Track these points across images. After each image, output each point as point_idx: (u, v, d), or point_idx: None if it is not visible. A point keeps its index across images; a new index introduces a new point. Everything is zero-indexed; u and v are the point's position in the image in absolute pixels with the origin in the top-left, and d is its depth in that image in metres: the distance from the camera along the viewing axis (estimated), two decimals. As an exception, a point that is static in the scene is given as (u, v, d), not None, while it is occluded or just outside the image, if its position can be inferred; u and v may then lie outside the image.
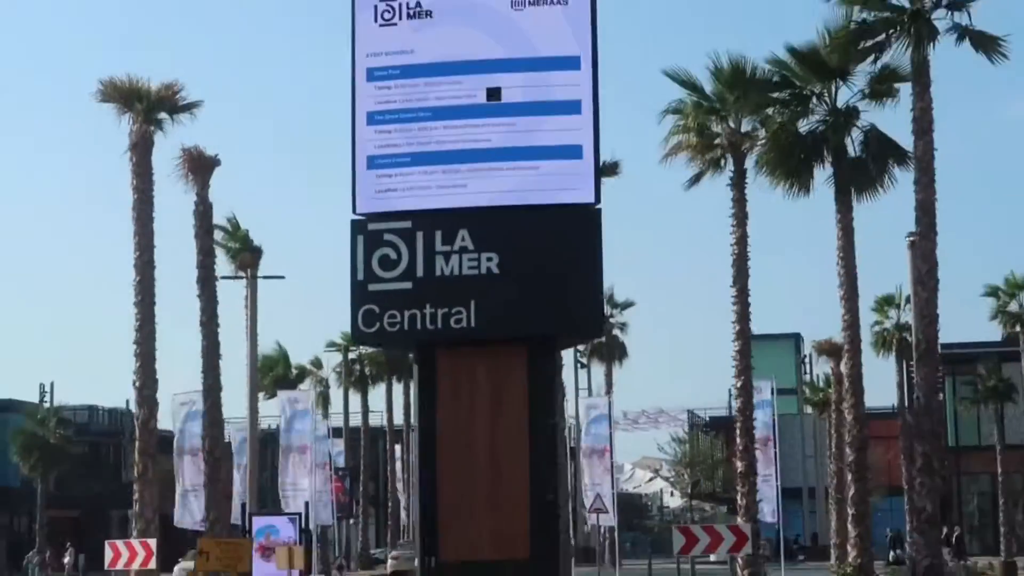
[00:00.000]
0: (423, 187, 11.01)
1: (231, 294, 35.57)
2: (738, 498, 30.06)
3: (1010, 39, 25.55)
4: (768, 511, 34.45)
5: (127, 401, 33.00)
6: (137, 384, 28.25)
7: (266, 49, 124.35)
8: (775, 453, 35.82)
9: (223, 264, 34.36)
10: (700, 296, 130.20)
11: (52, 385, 59.89)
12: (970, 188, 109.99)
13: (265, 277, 35.59)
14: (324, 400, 57.76)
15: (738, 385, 30.29)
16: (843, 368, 31.60)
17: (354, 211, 11.22)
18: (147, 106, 28.29)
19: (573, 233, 10.68)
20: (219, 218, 33.70)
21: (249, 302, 34.48)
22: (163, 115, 28.86)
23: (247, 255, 36.02)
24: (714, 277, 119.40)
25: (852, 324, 29.45)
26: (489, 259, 10.70)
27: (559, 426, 10.83)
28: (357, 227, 11.14)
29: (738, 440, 30.65)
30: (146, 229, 28.47)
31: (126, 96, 28.47)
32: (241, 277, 35.18)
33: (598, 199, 10.67)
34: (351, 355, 57.05)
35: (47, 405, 58.57)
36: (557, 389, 11.16)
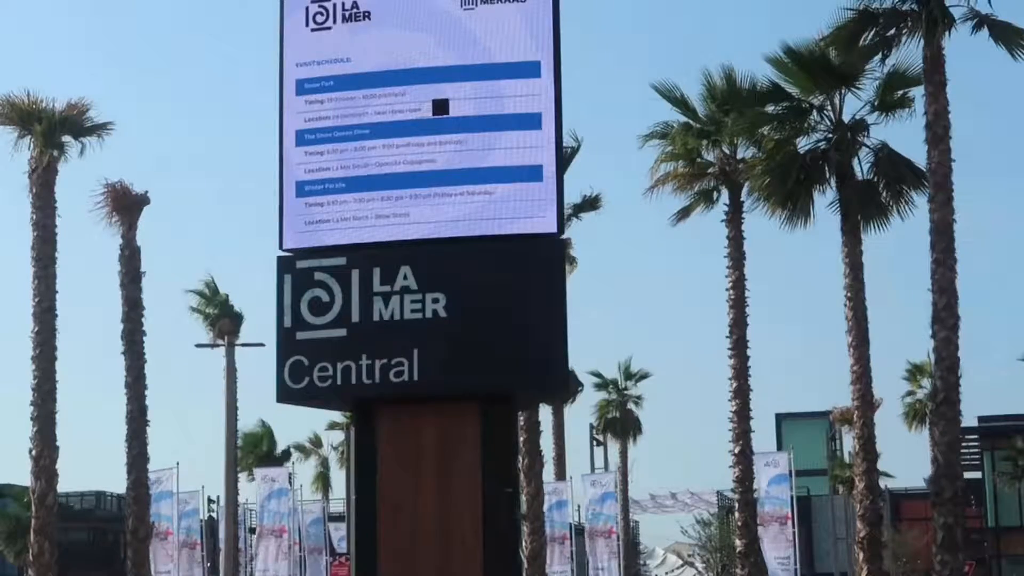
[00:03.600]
0: (359, 217, 10.75)
1: (212, 363, 36.97)
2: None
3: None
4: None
5: (126, 486, 33.23)
6: (33, 452, 27.85)
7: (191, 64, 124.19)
8: (794, 533, 35.77)
9: (200, 331, 35.80)
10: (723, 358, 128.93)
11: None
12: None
13: (244, 344, 36.77)
14: (324, 481, 59.83)
15: (736, 451, 30.13)
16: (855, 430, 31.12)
17: (281, 246, 10.99)
18: (47, 127, 27.70)
19: (533, 268, 10.37)
20: (193, 280, 35.38)
21: (227, 372, 35.48)
22: (67, 138, 28.54)
23: (226, 322, 37.34)
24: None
25: (862, 376, 28.27)
26: (435, 300, 10.43)
27: (517, 497, 10.56)
28: (284, 265, 10.88)
29: (737, 515, 30.49)
30: (47, 272, 28.17)
31: (25, 116, 28.13)
32: (219, 345, 36.45)
33: (561, 228, 10.43)
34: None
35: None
36: (515, 453, 10.91)
